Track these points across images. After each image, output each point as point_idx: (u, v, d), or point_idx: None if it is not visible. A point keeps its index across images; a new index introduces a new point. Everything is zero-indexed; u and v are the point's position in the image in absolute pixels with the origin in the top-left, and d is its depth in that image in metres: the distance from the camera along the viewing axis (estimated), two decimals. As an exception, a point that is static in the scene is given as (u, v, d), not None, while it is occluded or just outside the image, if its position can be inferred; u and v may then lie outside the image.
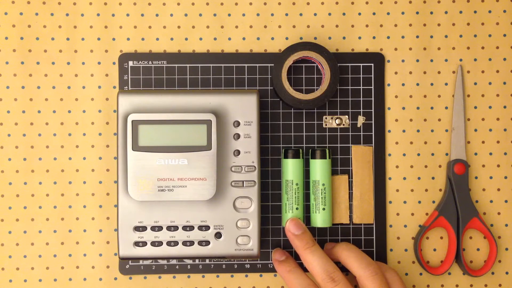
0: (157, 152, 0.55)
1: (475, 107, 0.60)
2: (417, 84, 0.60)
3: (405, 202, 0.60)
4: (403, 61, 0.60)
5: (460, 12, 0.61)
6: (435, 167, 0.60)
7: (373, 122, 0.60)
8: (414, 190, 0.60)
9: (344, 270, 0.59)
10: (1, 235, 0.59)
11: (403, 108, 0.60)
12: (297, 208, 0.57)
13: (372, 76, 0.60)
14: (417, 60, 0.60)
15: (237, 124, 0.56)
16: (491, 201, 0.60)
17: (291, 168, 0.57)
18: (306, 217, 0.59)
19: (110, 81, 0.60)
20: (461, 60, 0.61)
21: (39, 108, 0.59)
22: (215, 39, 0.60)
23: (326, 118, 0.60)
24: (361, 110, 0.60)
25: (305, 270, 0.59)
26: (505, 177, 0.60)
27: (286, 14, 0.60)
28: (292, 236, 0.55)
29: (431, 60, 0.60)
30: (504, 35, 0.61)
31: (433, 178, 0.60)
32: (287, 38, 0.60)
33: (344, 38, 0.60)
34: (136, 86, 0.59)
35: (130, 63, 0.59)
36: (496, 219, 0.60)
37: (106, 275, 0.59)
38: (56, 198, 0.59)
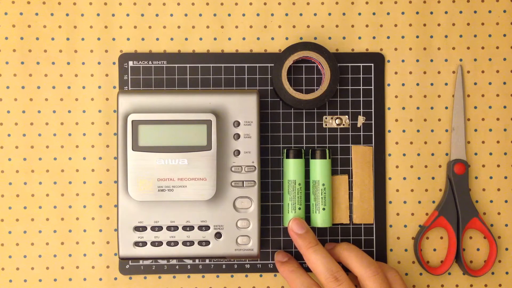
0: (157, 152, 0.55)
1: (475, 107, 0.60)
2: (417, 84, 0.60)
3: (405, 202, 0.60)
4: (403, 61, 0.60)
5: (460, 12, 0.61)
6: (435, 167, 0.60)
7: (373, 122, 0.60)
8: (414, 190, 0.60)
9: (345, 270, 0.59)
10: (1, 235, 0.59)
11: (403, 108, 0.60)
12: (299, 208, 0.57)
13: (372, 76, 0.60)
14: (417, 60, 0.60)
15: (237, 124, 0.56)
16: (491, 201, 0.60)
17: (293, 168, 0.57)
18: (306, 217, 0.59)
19: (110, 81, 0.60)
20: (461, 60, 0.61)
21: (39, 108, 0.59)
22: (215, 39, 0.60)
23: (326, 118, 0.60)
24: (361, 110, 0.60)
25: (307, 270, 0.59)
26: (505, 177, 0.60)
27: (286, 14, 0.60)
28: (295, 236, 0.55)
29: (431, 60, 0.60)
30: (504, 35, 0.61)
31: (433, 178, 0.60)
32: (287, 38, 0.60)
33: (344, 38, 0.60)
34: (136, 86, 0.59)
35: (130, 63, 0.59)
36: (496, 219, 0.60)
37: (106, 275, 0.59)
38: (56, 198, 0.59)
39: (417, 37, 0.60)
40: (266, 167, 0.59)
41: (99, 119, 0.59)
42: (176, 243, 0.56)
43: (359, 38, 0.60)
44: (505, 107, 0.60)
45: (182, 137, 0.55)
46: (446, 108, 0.60)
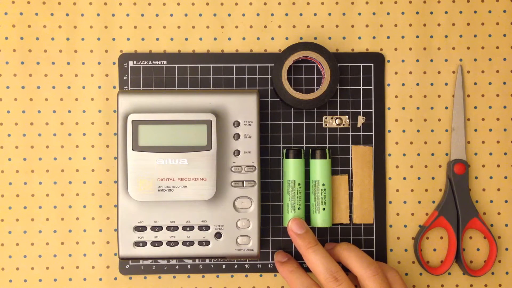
0: (157, 152, 0.55)
1: (475, 107, 0.60)
2: (417, 84, 0.60)
3: (405, 202, 0.60)
4: (403, 61, 0.60)
5: (460, 12, 0.61)
6: (435, 167, 0.60)
7: (373, 122, 0.60)
8: (414, 190, 0.60)
9: (345, 270, 0.59)
10: (1, 235, 0.59)
11: (403, 108, 0.60)
12: (299, 208, 0.57)
13: (372, 76, 0.60)
14: (417, 60, 0.60)
15: (237, 124, 0.56)
16: (491, 201, 0.60)
17: (292, 168, 0.57)
18: (306, 217, 0.59)
19: (110, 81, 0.60)
20: (461, 60, 0.61)
21: (39, 108, 0.59)
22: (215, 39, 0.60)
23: (326, 118, 0.60)
24: (361, 110, 0.60)
25: (307, 270, 0.59)
26: (505, 177, 0.60)
27: (286, 14, 0.60)
28: (295, 236, 0.55)
29: (431, 60, 0.60)
30: (504, 35, 0.61)
31: (433, 178, 0.60)
32: (287, 38, 0.60)
33: (344, 38, 0.60)
34: (136, 86, 0.59)
35: (130, 63, 0.59)
36: (496, 219, 0.60)
37: (106, 275, 0.59)
38: (56, 198, 0.59)
39: (417, 37, 0.60)
40: (266, 167, 0.59)
41: (99, 119, 0.59)
42: (176, 243, 0.55)
43: (359, 38, 0.60)
44: (505, 107, 0.60)
45: (182, 137, 0.55)
46: (446, 108, 0.60)
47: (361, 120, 0.60)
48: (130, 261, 0.59)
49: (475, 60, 0.60)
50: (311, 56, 0.58)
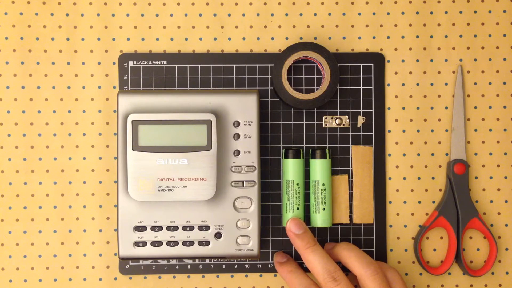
0: (157, 152, 0.55)
1: (475, 107, 0.60)
2: (417, 84, 0.60)
3: (405, 202, 0.60)
4: (403, 61, 0.60)
5: (460, 12, 0.61)
6: (435, 167, 0.60)
7: (373, 122, 0.60)
8: (414, 190, 0.60)
9: (344, 270, 0.59)
10: (1, 235, 0.59)
11: (403, 108, 0.60)
12: (297, 208, 0.57)
13: (372, 76, 0.60)
14: (417, 60, 0.60)
15: (237, 124, 0.56)
16: (491, 201, 0.60)
17: (291, 168, 0.57)
18: (306, 217, 0.59)
19: (110, 81, 0.60)
20: (461, 60, 0.61)
21: (39, 108, 0.59)
22: (215, 39, 0.60)
23: (326, 118, 0.60)
24: (361, 110, 0.60)
25: (306, 271, 0.59)
26: (505, 177, 0.60)
27: (286, 14, 0.60)
28: (293, 236, 0.55)
29: (431, 60, 0.60)
30: (504, 35, 0.61)
31: (433, 178, 0.60)
32: (287, 38, 0.60)
33: (344, 38, 0.60)
34: (136, 86, 0.59)
35: (130, 63, 0.59)
36: (496, 219, 0.60)
37: (106, 275, 0.59)
38: (56, 198, 0.59)
39: (417, 37, 0.60)
40: (266, 167, 0.59)
41: (99, 119, 0.59)
42: (176, 243, 0.56)
43: (359, 38, 0.60)
44: (505, 107, 0.60)
45: (182, 137, 0.55)
46: (446, 108, 0.60)
47: (361, 120, 0.60)
48: (130, 261, 0.59)
49: (475, 60, 0.60)
50: (311, 56, 0.58)
